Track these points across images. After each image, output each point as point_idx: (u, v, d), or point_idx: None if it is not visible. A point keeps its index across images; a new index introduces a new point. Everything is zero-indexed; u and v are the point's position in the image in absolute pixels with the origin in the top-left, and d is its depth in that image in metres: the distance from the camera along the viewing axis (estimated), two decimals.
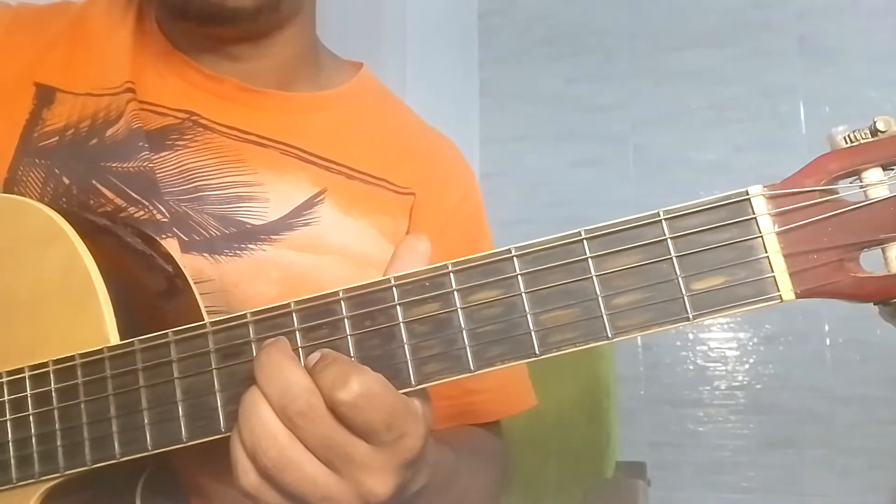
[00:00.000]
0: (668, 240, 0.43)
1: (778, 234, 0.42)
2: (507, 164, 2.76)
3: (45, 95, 0.71)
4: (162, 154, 0.70)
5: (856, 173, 0.42)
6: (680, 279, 0.43)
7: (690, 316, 0.43)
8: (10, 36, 0.75)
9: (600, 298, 0.44)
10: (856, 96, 2.42)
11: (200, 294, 0.61)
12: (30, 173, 0.68)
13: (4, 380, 0.55)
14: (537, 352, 0.44)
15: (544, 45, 2.80)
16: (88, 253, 0.56)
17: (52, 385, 0.53)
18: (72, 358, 0.53)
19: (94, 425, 0.51)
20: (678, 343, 2.57)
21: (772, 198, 0.43)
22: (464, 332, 0.45)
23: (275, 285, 0.68)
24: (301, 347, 0.47)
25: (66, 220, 0.58)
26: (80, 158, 0.69)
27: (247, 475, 0.45)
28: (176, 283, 0.61)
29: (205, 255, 0.67)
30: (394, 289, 0.47)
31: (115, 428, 0.51)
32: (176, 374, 0.50)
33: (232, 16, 0.67)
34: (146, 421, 0.50)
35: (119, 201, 0.67)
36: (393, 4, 2.12)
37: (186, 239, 0.67)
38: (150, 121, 0.71)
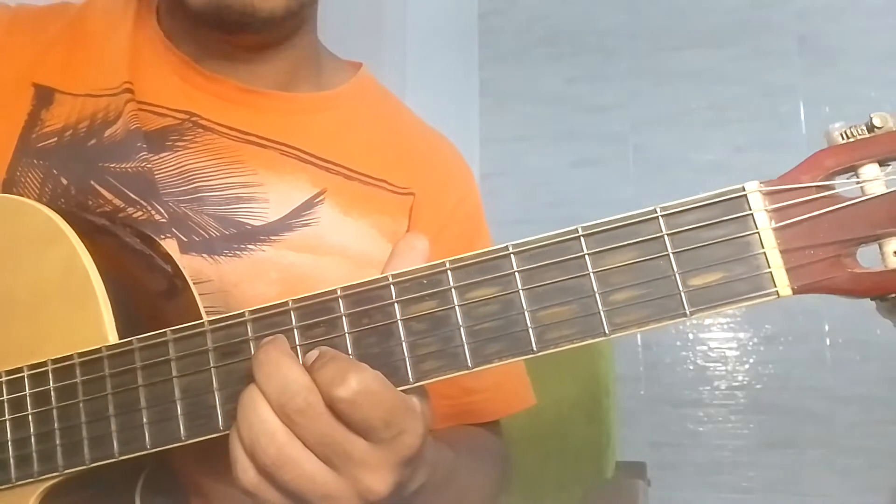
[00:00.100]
0: (665, 236, 0.43)
1: (774, 230, 0.42)
2: (507, 164, 2.76)
3: (43, 96, 0.71)
4: (162, 155, 0.70)
5: (852, 169, 0.42)
6: (677, 275, 0.43)
7: (688, 312, 0.43)
8: (9, 37, 0.75)
9: (597, 295, 0.44)
10: (856, 96, 2.42)
11: (200, 294, 0.61)
12: (28, 174, 0.68)
13: (3, 379, 0.55)
14: (535, 348, 0.44)
15: (544, 45, 2.80)
16: (87, 253, 0.56)
17: (51, 384, 0.53)
18: (70, 357, 0.53)
19: (93, 424, 0.51)
20: (678, 343, 2.57)
21: (768, 194, 0.43)
22: (461, 329, 0.45)
23: (274, 286, 0.68)
24: (299, 345, 0.47)
25: (66, 219, 0.58)
26: (78, 159, 0.69)
27: (246, 473, 0.45)
28: (175, 283, 0.61)
29: (204, 255, 0.67)
30: (391, 286, 0.47)
31: (113, 427, 0.51)
32: (174, 373, 0.50)
33: (263, 24, 0.68)
34: (145, 420, 0.50)
35: (117, 202, 0.67)
36: (393, 4, 2.12)
37: (185, 239, 0.67)
38: (150, 121, 0.71)
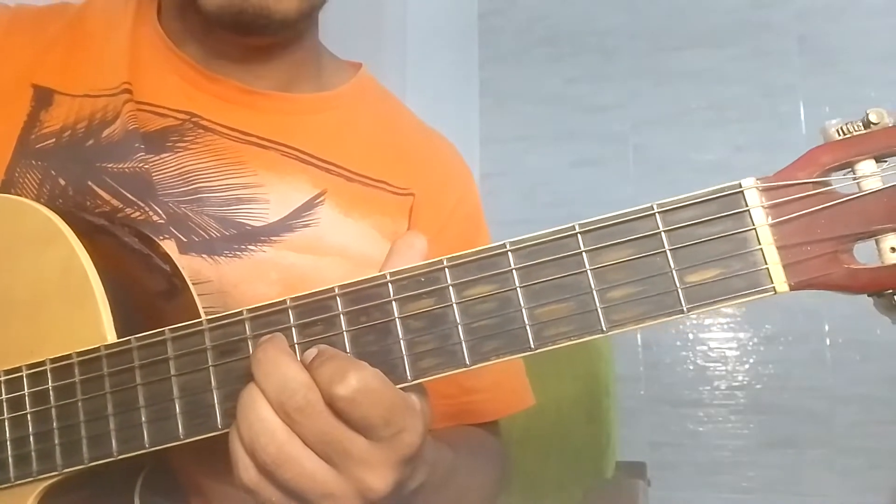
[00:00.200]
0: (662, 233, 0.43)
1: (771, 226, 0.42)
2: (507, 164, 2.76)
3: (43, 97, 0.71)
4: (162, 155, 0.70)
5: (849, 165, 0.42)
6: (674, 272, 0.43)
7: (685, 308, 0.43)
8: (8, 37, 0.75)
9: (595, 292, 0.44)
10: (856, 96, 2.42)
11: (199, 295, 0.61)
12: (27, 175, 0.68)
13: (2, 379, 0.55)
14: (532, 346, 0.44)
15: (544, 45, 2.80)
16: (86, 253, 0.56)
17: (50, 383, 0.53)
18: (69, 356, 0.53)
19: (92, 423, 0.52)
20: (678, 343, 2.57)
21: (765, 190, 0.43)
22: (459, 326, 0.45)
23: (274, 286, 0.68)
24: (297, 344, 0.47)
25: (64, 219, 0.58)
26: (76, 160, 0.69)
27: (247, 472, 0.45)
28: (173, 283, 0.61)
29: (204, 256, 0.67)
30: (389, 284, 0.47)
31: (112, 426, 0.51)
32: (172, 372, 0.50)
33: (278, 26, 0.68)
34: (143, 419, 0.50)
35: (115, 202, 0.67)
36: (393, 4, 2.12)
37: (185, 240, 0.67)
38: (151, 122, 0.71)
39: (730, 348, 2.53)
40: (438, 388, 0.48)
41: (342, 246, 0.72)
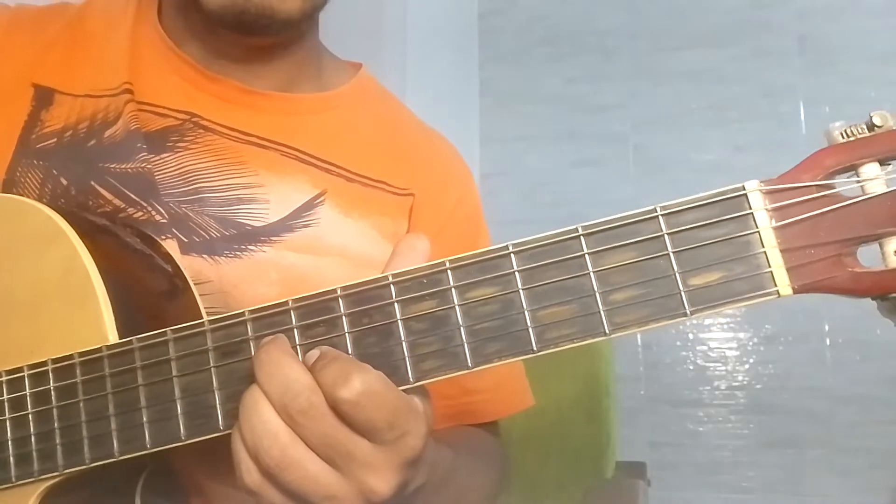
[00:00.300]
0: (665, 235, 0.43)
1: (775, 229, 0.42)
2: (507, 164, 2.76)
3: (43, 97, 0.71)
4: (163, 155, 0.70)
5: (853, 168, 0.42)
6: (677, 275, 0.43)
7: (688, 311, 0.42)
8: (8, 37, 0.74)
9: (598, 295, 0.44)
10: (856, 96, 2.41)
11: (200, 295, 0.61)
12: (28, 175, 0.68)
13: (3, 379, 0.55)
14: (535, 348, 0.44)
15: (544, 45, 2.79)
16: (88, 253, 0.56)
17: (51, 384, 0.53)
18: (71, 357, 0.53)
19: (93, 423, 0.51)
20: (678, 343, 2.57)
21: (768, 193, 0.42)
22: (461, 328, 0.45)
23: (274, 286, 0.68)
24: (299, 345, 0.47)
25: (66, 219, 0.58)
26: (78, 160, 0.69)
27: (250, 474, 0.45)
28: (175, 283, 0.61)
29: (204, 256, 0.67)
30: (391, 286, 0.47)
31: (113, 426, 0.51)
32: (174, 373, 0.50)
33: (281, 26, 0.68)
34: (145, 419, 0.50)
35: (117, 202, 0.67)
36: (393, 4, 2.12)
37: (186, 240, 0.67)
38: (151, 122, 0.71)
39: (730, 348, 2.53)
40: (439, 388, 0.48)
41: (342, 246, 0.72)
